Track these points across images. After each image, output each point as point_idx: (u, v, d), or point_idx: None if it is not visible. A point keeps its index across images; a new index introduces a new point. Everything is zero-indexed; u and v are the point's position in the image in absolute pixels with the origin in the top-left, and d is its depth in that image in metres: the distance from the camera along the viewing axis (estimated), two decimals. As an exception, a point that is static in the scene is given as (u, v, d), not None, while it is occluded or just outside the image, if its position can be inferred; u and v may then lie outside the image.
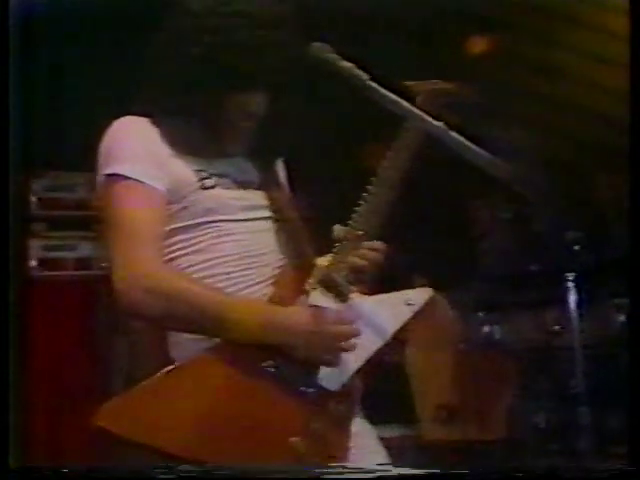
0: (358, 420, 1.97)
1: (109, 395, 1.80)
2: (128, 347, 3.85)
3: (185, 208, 1.94)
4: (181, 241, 1.94)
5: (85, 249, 4.17)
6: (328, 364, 1.86)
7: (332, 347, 1.85)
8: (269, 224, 2.03)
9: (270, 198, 2.05)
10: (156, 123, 1.97)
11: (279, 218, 2.04)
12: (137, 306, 1.82)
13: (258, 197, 2.03)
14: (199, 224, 1.94)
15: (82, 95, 4.08)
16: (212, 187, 1.95)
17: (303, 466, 1.77)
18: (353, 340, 1.85)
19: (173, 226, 1.94)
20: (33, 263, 4.03)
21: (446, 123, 1.87)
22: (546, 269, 4.13)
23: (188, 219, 1.94)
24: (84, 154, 4.17)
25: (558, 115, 4.76)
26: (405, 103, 1.86)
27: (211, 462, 1.73)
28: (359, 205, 1.95)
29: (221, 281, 1.92)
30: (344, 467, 1.83)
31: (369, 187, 1.96)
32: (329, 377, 1.87)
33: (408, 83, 2.02)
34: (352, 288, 1.93)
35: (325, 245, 1.99)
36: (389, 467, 1.85)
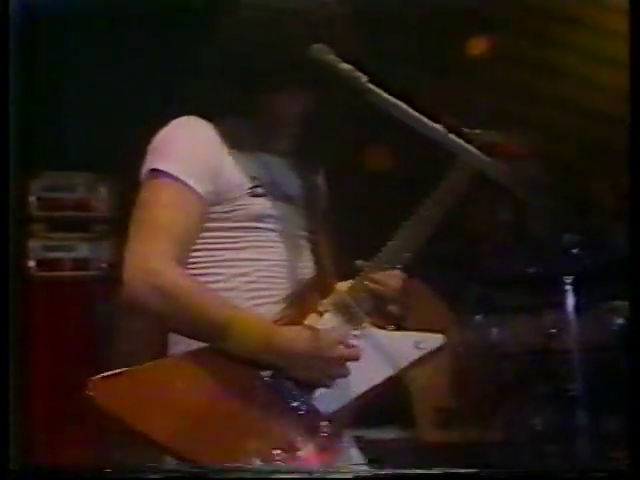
0: (347, 448, 1.98)
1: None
2: (126, 347, 3.85)
3: (234, 211, 1.94)
4: (223, 237, 1.95)
5: (84, 250, 4.16)
6: (324, 386, 1.87)
7: (329, 371, 1.86)
8: (302, 241, 2.04)
9: (308, 217, 2.07)
10: (216, 123, 1.97)
11: (311, 238, 2.06)
12: (141, 301, 1.82)
13: (298, 213, 2.05)
14: (246, 227, 1.95)
15: (82, 95, 4.08)
16: (262, 195, 1.96)
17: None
18: (350, 364, 1.86)
19: (219, 225, 1.94)
20: (32, 263, 4.03)
21: (445, 126, 1.87)
22: (544, 272, 4.13)
23: (236, 221, 1.95)
24: (84, 154, 4.20)
25: (558, 115, 4.76)
26: (403, 106, 1.85)
27: (191, 457, 1.73)
28: (391, 239, 1.96)
29: (254, 282, 1.94)
30: (336, 467, 1.84)
31: (405, 223, 1.96)
32: (324, 399, 1.87)
33: (465, 131, 1.99)
34: (366, 318, 1.94)
35: (348, 268, 2.00)
36: (386, 467, 1.86)
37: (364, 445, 2.06)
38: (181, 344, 1.91)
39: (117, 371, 1.78)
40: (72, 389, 3.95)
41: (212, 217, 1.94)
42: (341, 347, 1.86)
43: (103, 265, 4.13)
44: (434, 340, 1.98)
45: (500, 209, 4.55)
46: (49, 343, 3.92)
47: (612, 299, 3.95)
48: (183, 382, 1.81)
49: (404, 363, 1.95)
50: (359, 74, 1.87)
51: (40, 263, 4.04)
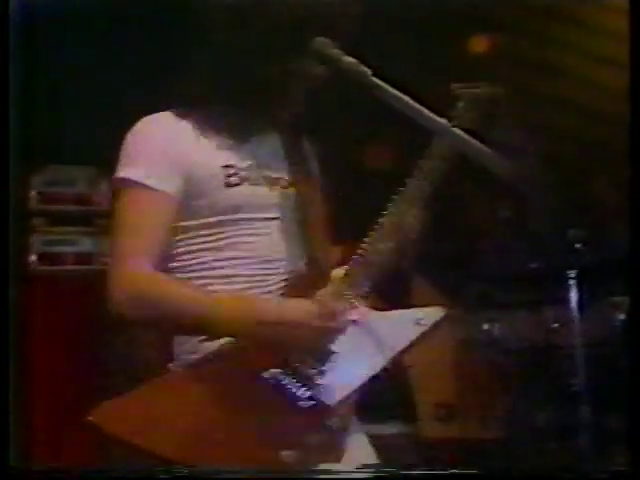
0: (355, 435, 1.96)
1: (109, 391, 1.81)
2: (128, 343, 3.85)
3: (208, 205, 1.92)
4: (203, 236, 1.94)
5: (85, 244, 4.17)
6: (323, 349, 1.86)
7: (323, 328, 1.85)
8: (292, 225, 2.00)
9: (298, 197, 2.03)
10: (188, 114, 1.95)
11: (303, 220, 2.02)
12: (123, 310, 1.83)
13: (285, 196, 2.01)
14: (223, 221, 1.93)
15: (82, 90, 4.08)
16: (237, 184, 1.93)
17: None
18: (352, 350, 1.86)
19: (196, 222, 1.93)
20: (33, 258, 4.03)
21: (449, 119, 1.86)
22: (546, 267, 4.13)
23: (212, 215, 1.93)
24: (84, 148, 4.19)
25: (558, 115, 4.77)
26: (407, 99, 1.85)
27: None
28: (382, 217, 1.94)
29: (239, 282, 1.92)
30: (338, 467, 1.83)
31: (394, 197, 1.95)
32: (328, 390, 1.86)
33: (452, 86, 1.99)
34: (363, 302, 1.92)
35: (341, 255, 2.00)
36: (386, 467, 1.86)
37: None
38: (185, 343, 1.92)
39: (116, 398, 1.79)
40: (73, 384, 3.94)
41: (190, 214, 1.93)
42: (328, 304, 1.86)
43: (105, 259, 4.12)
44: (434, 313, 1.96)
45: (501, 205, 4.55)
46: (51, 338, 3.91)
47: (614, 294, 3.95)
48: (186, 398, 1.81)
49: (406, 342, 1.93)
50: (363, 68, 1.86)
51: (41, 257, 4.04)
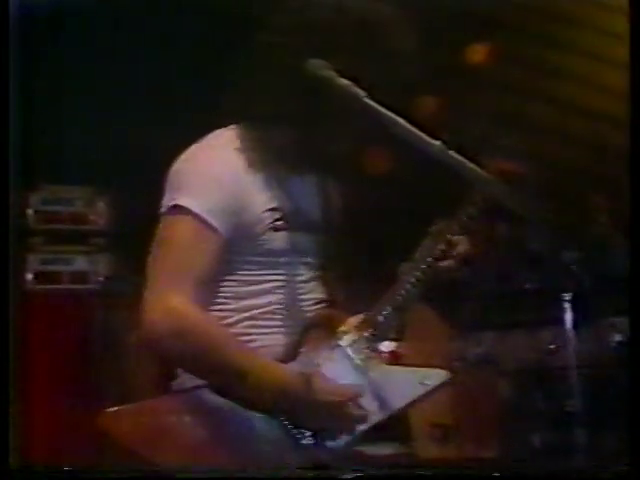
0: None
1: (104, 408, 1.83)
2: (123, 360, 3.86)
3: (256, 246, 1.93)
4: (243, 269, 1.95)
5: (81, 263, 4.14)
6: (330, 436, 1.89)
7: (338, 425, 1.88)
8: (317, 272, 2.04)
9: (325, 244, 2.05)
10: (247, 140, 1.95)
11: (326, 268, 2.05)
12: (161, 343, 1.82)
13: (316, 241, 2.03)
14: (265, 262, 1.95)
15: (82, 108, 4.08)
16: (283, 229, 1.95)
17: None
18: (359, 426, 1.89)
19: (239, 258, 1.94)
20: (29, 276, 4.01)
21: (444, 142, 1.86)
22: (543, 288, 4.13)
23: (255, 255, 1.94)
24: (82, 168, 4.19)
25: (558, 115, 4.74)
26: (401, 120, 1.85)
27: None
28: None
29: (268, 314, 1.95)
30: (331, 470, 1.86)
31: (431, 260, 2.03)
32: (329, 434, 1.89)
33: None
34: (374, 354, 1.95)
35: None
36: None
37: (362, 460, 2.07)
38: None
39: (128, 405, 1.83)
40: (70, 401, 3.93)
41: (232, 250, 1.93)
42: (352, 406, 1.88)
43: (100, 278, 4.11)
44: (438, 376, 2.02)
45: (498, 225, 4.54)
46: (47, 356, 3.90)
47: (611, 315, 3.94)
48: (189, 415, 1.83)
49: (409, 399, 1.99)
50: (357, 90, 1.86)
51: (38, 276, 4.03)
